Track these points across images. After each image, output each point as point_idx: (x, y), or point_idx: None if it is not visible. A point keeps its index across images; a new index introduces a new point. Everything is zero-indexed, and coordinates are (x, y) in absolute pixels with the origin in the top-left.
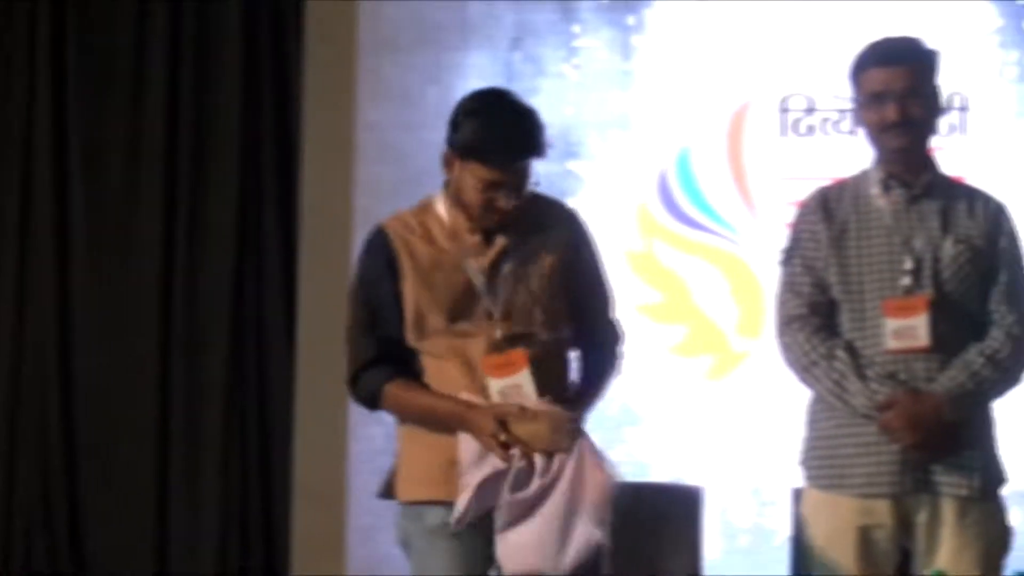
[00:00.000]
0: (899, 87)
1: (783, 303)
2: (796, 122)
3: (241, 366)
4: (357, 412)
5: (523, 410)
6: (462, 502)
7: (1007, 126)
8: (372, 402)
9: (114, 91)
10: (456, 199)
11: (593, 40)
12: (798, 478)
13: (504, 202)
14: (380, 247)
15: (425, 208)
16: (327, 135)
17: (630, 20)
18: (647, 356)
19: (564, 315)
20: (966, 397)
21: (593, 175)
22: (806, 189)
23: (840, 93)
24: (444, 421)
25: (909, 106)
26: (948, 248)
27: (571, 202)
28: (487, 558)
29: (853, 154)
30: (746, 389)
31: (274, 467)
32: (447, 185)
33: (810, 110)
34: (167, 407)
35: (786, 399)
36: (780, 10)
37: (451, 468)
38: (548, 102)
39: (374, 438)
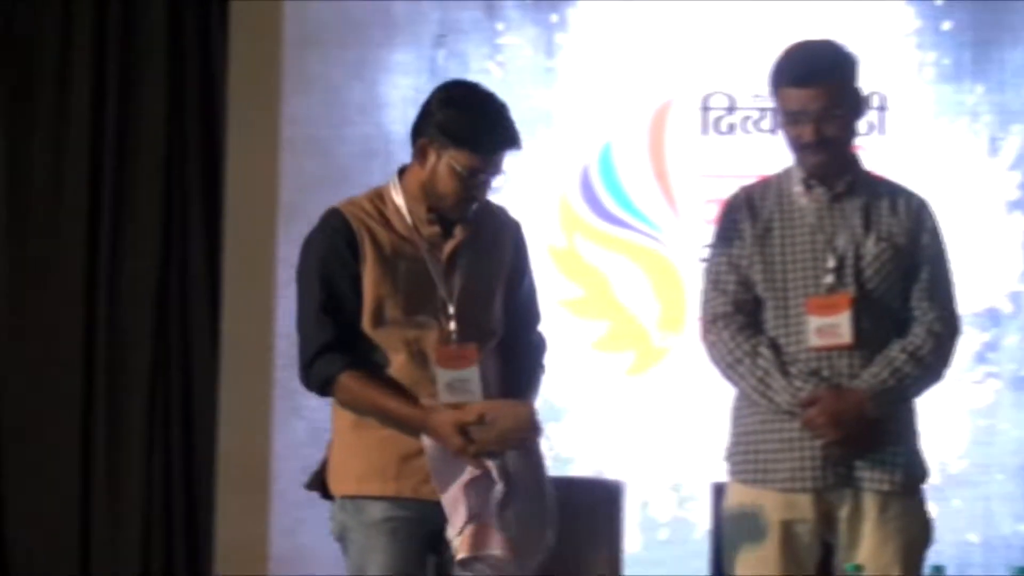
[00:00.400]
0: (815, 108)
1: (708, 301)
2: (717, 120)
3: (165, 362)
4: (280, 407)
5: (480, 416)
6: (459, 517)
7: (925, 126)
8: (324, 389)
9: (39, 88)
10: (428, 188)
11: (517, 38)
12: (718, 473)
13: (480, 192)
14: (340, 228)
15: (379, 195)
16: (252, 130)
17: (553, 18)
18: (569, 351)
19: (500, 317)
20: (888, 393)
21: (516, 170)
22: (727, 187)
23: (760, 92)
24: (401, 424)
25: (825, 127)
26: (870, 246)
27: (494, 197)
28: (424, 555)
29: (773, 152)
30: (667, 384)
31: (198, 465)
32: (400, 175)
33: (731, 108)
34: (90, 406)
35: (707, 395)
36: (702, 9)
37: (404, 464)
38: None
39: (297, 431)
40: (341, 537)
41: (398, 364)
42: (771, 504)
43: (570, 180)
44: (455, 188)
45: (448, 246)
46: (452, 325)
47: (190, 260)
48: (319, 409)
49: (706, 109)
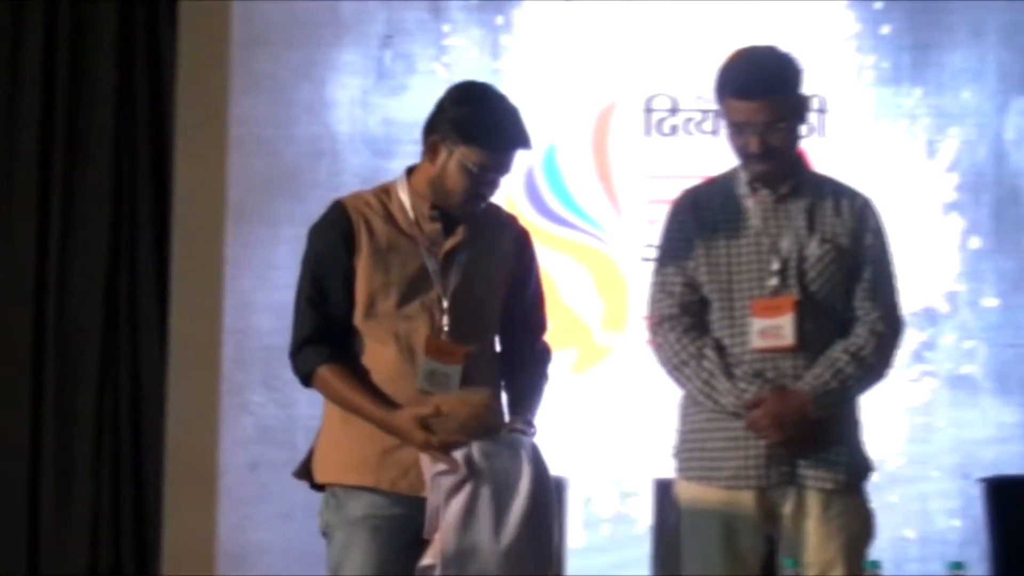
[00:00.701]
0: (760, 120)
1: (655, 302)
2: (660, 122)
3: (114, 360)
4: (227, 404)
5: (437, 409)
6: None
7: (865, 128)
8: (306, 380)
9: None
10: (437, 185)
11: (463, 39)
12: (660, 469)
13: (488, 190)
14: (337, 221)
15: (386, 191)
16: (200, 129)
17: (499, 20)
18: None
19: (496, 321)
20: (831, 394)
21: None
22: (669, 187)
23: (703, 94)
24: (369, 421)
25: (770, 138)
26: (814, 248)
27: None
28: (407, 555)
29: (716, 153)
30: (609, 382)
31: (146, 462)
32: (409, 173)
33: (673, 110)
34: (39, 404)
35: (648, 392)
36: (645, 12)
37: (384, 456)
38: (418, 99)
39: (245, 428)
40: (326, 533)
41: (387, 357)
42: (716, 501)
43: (515, 181)
44: (464, 185)
45: (448, 243)
46: (445, 320)
47: (139, 259)
48: (266, 405)
49: (649, 111)
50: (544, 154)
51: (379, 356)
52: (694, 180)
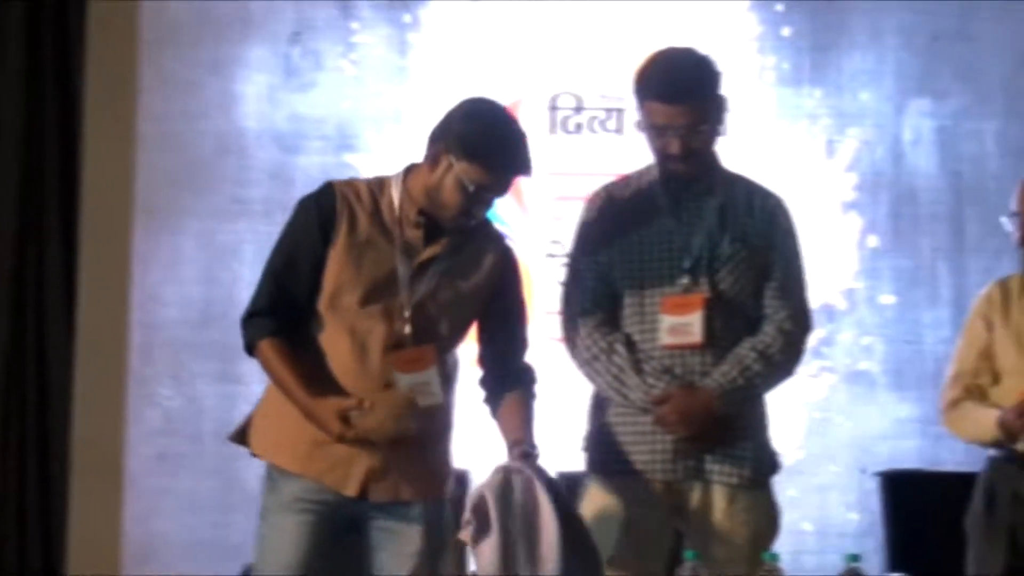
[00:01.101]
0: (681, 123)
1: (568, 297)
2: (565, 120)
3: (21, 352)
4: (134, 395)
5: (360, 402)
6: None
7: (765, 128)
8: (249, 350)
9: None
10: (432, 194)
11: (370, 36)
12: (565, 462)
13: (482, 209)
14: (324, 206)
15: (381, 184)
16: (109, 124)
17: (406, 18)
18: None
19: (456, 339)
20: (738, 391)
21: (368, 168)
22: (574, 184)
23: (607, 93)
24: (294, 404)
25: (691, 140)
26: (725, 246)
27: None
28: (339, 539)
29: (619, 151)
30: None
31: (52, 454)
32: (407, 173)
33: (578, 108)
34: None
35: (552, 386)
36: (551, 11)
37: (315, 447)
38: (326, 96)
39: (152, 420)
40: (260, 515)
41: (341, 350)
42: (623, 494)
43: None
44: (458, 201)
45: (426, 252)
46: (407, 329)
47: (46, 252)
48: (173, 398)
49: (554, 109)
50: None
51: (335, 347)
52: (598, 177)
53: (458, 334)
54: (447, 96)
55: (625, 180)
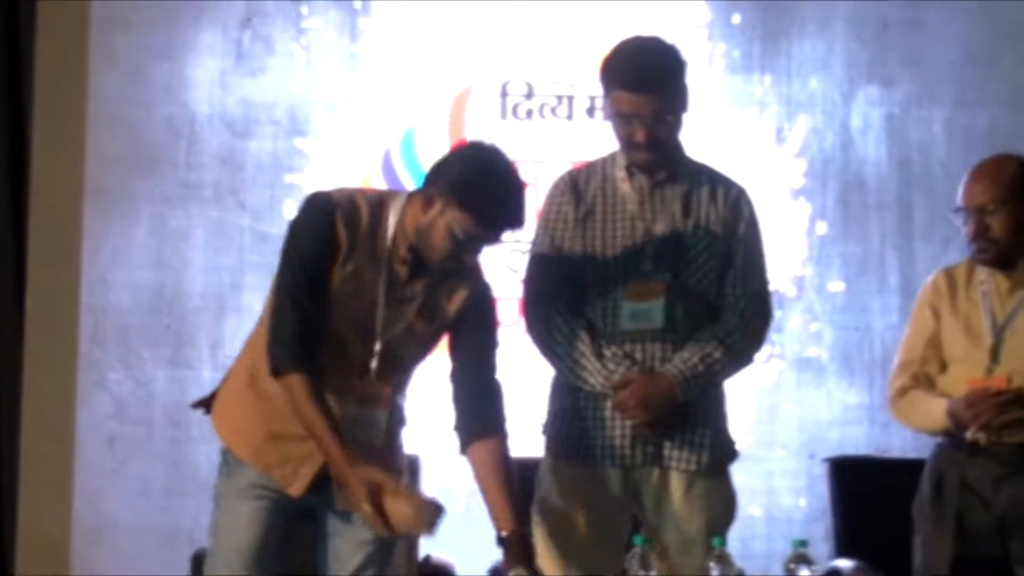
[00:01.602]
0: (647, 112)
1: (530, 282)
2: (516, 106)
3: None
4: (84, 380)
5: (397, 486)
6: None
7: (716, 115)
8: (275, 373)
9: None
10: (422, 235)
11: (321, 22)
12: (513, 448)
13: (470, 257)
14: (325, 228)
15: (379, 207)
16: (59, 107)
17: (357, 3)
18: None
19: (416, 367)
20: (697, 378)
21: (319, 153)
22: (525, 171)
23: (558, 80)
24: (320, 448)
25: (656, 129)
26: (688, 234)
27: (297, 178)
28: (293, 527)
29: (570, 138)
30: None
31: (2, 439)
32: (410, 200)
33: (529, 95)
34: None
35: (503, 371)
36: None
37: (268, 441)
38: (277, 81)
39: (102, 404)
40: (214, 498)
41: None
42: (582, 478)
43: (372, 163)
44: (447, 248)
45: (407, 291)
46: (374, 363)
47: None
48: (124, 382)
49: (505, 95)
50: (402, 137)
51: None
52: (549, 163)
53: (416, 366)
54: (398, 82)
55: (589, 167)
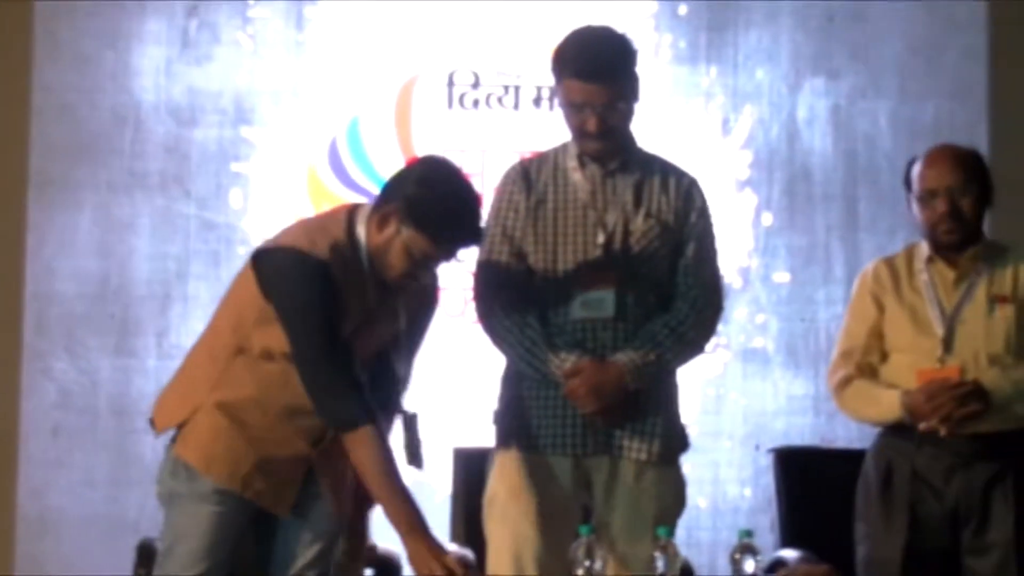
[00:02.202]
0: (600, 101)
1: (481, 271)
2: (462, 96)
3: None
4: (29, 369)
5: (467, 568)
6: None
7: (662, 106)
8: (346, 428)
9: None
10: (379, 253)
11: (267, 10)
12: (459, 439)
13: (426, 274)
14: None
15: (352, 238)
16: (3, 95)
17: None
18: None
19: None
20: (649, 367)
21: (265, 141)
22: (471, 160)
23: (504, 70)
24: (389, 513)
25: (609, 117)
26: (639, 223)
27: (243, 167)
28: (250, 528)
29: (516, 128)
30: None
31: None
32: (375, 211)
33: (476, 84)
34: None
35: (450, 363)
36: None
37: (257, 470)
38: (222, 69)
39: (47, 394)
40: (167, 501)
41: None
42: (532, 467)
43: (318, 152)
44: (403, 266)
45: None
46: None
47: None
48: (68, 371)
49: (451, 84)
50: (348, 126)
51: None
52: (495, 153)
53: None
54: (344, 71)
55: (541, 157)
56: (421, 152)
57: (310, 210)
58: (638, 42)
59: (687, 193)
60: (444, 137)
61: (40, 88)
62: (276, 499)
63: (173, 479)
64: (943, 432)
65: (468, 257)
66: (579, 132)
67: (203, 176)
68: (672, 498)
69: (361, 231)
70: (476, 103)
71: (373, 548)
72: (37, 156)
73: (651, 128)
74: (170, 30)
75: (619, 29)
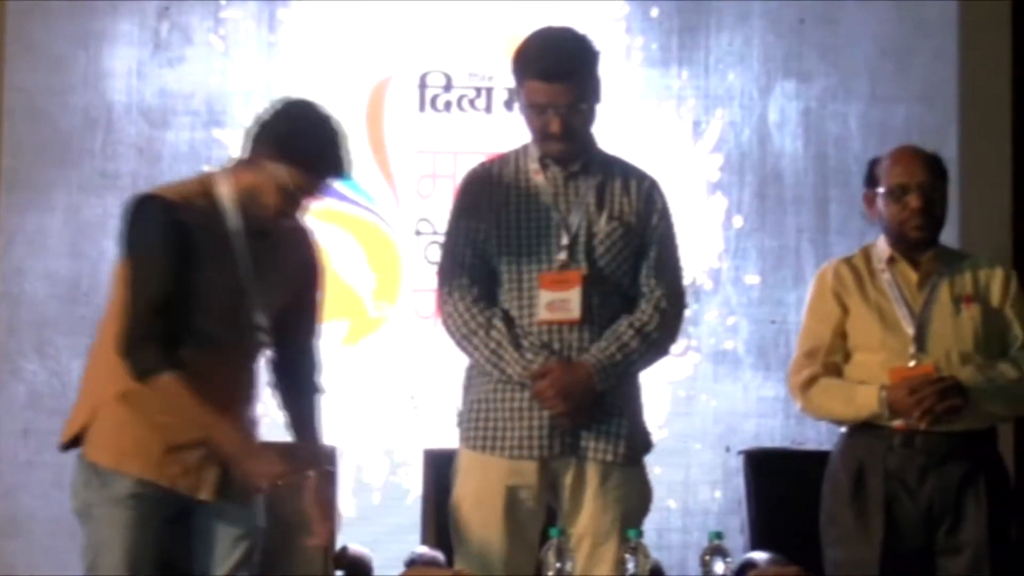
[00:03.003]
0: (562, 102)
1: (444, 272)
2: (434, 98)
3: None
4: (0, 371)
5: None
6: None
7: (633, 109)
8: (142, 377)
9: None
10: (250, 195)
11: (239, 11)
12: (430, 439)
13: (298, 210)
14: (174, 235)
15: (206, 191)
16: None
17: None
18: None
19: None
20: (615, 367)
21: (237, 143)
22: (442, 163)
23: (476, 72)
24: (219, 442)
25: (571, 119)
26: (602, 224)
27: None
28: (168, 529)
29: (488, 130)
30: (381, 354)
31: None
32: (233, 169)
33: (447, 87)
34: None
35: (419, 364)
36: None
37: (169, 453)
38: (194, 71)
39: (17, 394)
40: (84, 512)
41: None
42: (498, 470)
43: None
44: (277, 202)
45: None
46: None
47: None
48: (39, 372)
49: (423, 87)
50: None
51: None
52: (467, 156)
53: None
54: (316, 72)
55: (502, 159)
56: (392, 155)
57: None
58: (609, 45)
59: (648, 195)
60: (416, 139)
61: (11, 89)
62: (196, 482)
63: (86, 489)
64: (923, 426)
65: (429, 237)
66: (541, 134)
67: (175, 177)
68: (638, 498)
69: (224, 186)
70: (448, 105)
71: (345, 548)
72: (8, 157)
73: (622, 131)
74: (142, 31)
75: (581, 30)
